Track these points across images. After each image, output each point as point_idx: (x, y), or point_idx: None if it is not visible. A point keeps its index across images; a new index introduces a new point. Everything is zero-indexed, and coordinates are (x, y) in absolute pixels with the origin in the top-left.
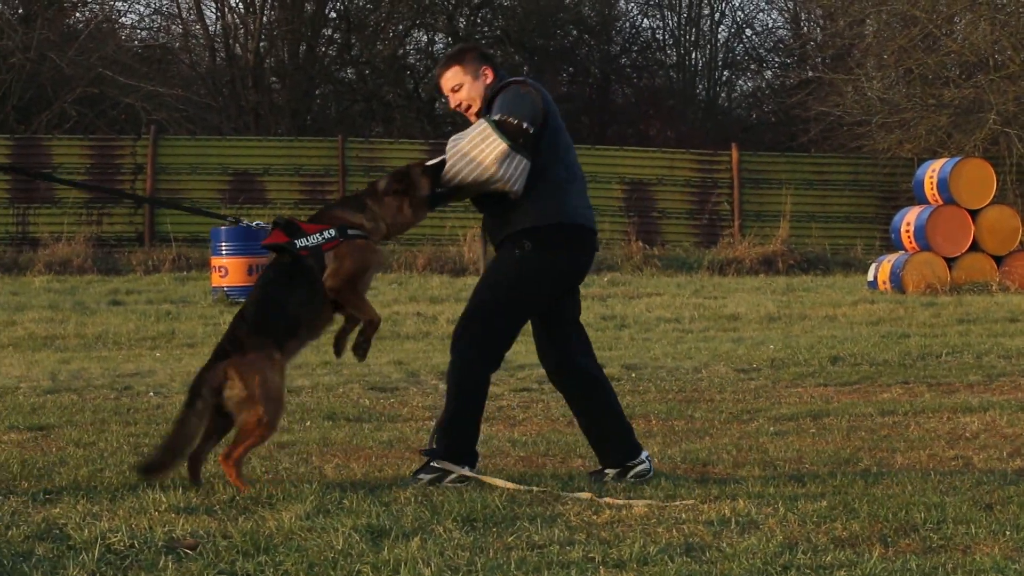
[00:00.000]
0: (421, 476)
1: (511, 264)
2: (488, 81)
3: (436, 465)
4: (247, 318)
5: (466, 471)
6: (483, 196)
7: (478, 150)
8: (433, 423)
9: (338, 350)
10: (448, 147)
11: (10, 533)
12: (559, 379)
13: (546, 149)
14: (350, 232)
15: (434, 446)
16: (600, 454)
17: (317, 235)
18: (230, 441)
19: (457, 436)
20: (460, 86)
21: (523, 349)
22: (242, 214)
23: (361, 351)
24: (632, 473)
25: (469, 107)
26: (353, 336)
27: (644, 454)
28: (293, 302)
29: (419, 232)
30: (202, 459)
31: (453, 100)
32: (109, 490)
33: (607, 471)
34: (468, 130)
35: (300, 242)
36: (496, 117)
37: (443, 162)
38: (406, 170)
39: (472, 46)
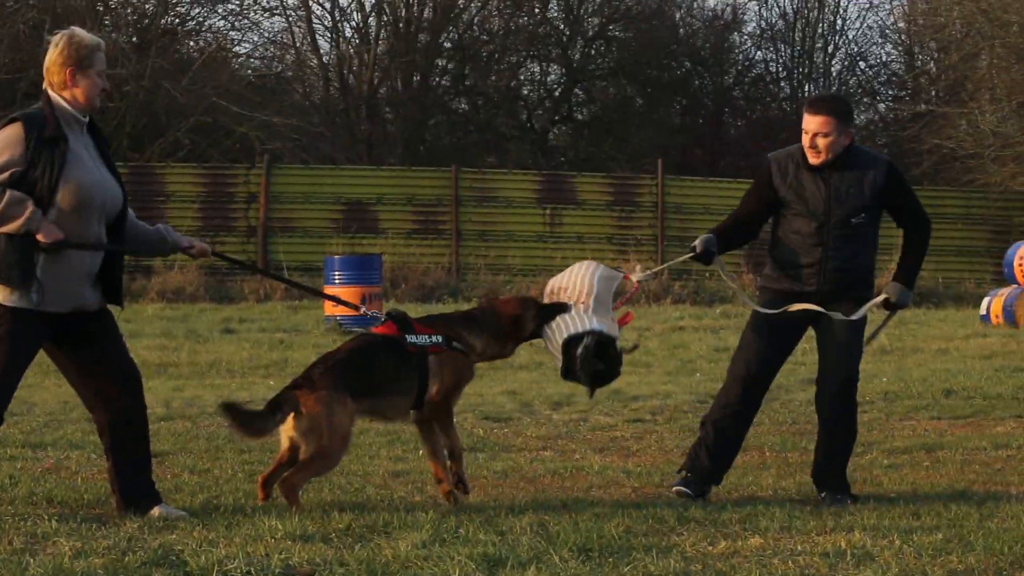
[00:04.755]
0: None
1: None
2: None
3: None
4: (328, 361)
5: None
6: None
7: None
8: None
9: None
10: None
11: (127, 559)
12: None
13: None
14: (454, 345)
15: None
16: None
17: (427, 337)
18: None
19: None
20: (828, 134)
21: (635, 380)
22: (355, 243)
23: (462, 485)
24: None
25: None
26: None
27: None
28: (381, 367)
29: None
30: (272, 482)
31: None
32: (225, 517)
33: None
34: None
35: (410, 338)
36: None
37: (559, 307)
38: (522, 312)
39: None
